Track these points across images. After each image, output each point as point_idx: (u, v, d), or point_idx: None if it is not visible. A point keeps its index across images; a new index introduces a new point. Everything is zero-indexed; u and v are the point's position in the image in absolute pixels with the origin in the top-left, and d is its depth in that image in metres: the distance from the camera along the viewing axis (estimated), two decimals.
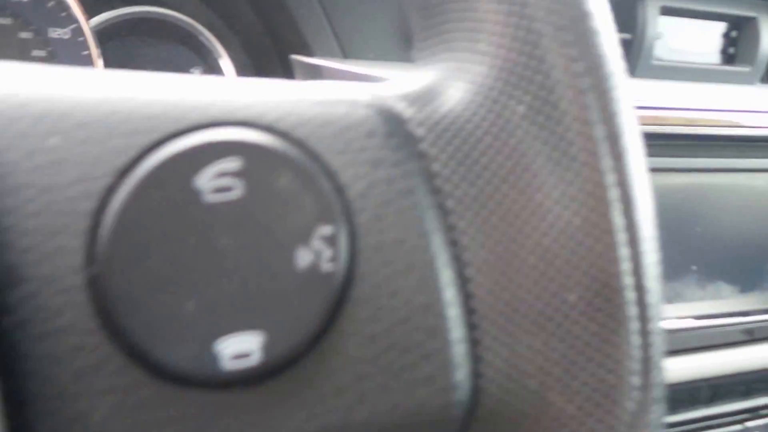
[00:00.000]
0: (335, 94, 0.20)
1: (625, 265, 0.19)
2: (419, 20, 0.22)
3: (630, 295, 0.19)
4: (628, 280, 0.19)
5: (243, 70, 0.69)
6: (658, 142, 0.64)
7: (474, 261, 0.19)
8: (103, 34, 0.62)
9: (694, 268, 0.72)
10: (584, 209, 0.18)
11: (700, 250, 0.72)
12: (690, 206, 0.71)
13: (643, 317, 0.19)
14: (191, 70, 0.68)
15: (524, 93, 0.19)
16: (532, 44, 0.18)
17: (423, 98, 0.20)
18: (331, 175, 0.18)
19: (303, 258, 0.17)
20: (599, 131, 0.19)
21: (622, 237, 0.19)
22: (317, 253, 0.17)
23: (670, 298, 0.72)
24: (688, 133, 0.66)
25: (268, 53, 0.69)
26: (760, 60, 0.72)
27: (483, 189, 0.19)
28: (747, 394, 0.83)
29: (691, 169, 0.69)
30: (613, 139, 0.19)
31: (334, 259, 0.17)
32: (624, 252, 0.19)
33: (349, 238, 0.17)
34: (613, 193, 0.19)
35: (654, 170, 0.68)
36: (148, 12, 0.65)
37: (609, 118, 0.19)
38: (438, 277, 0.18)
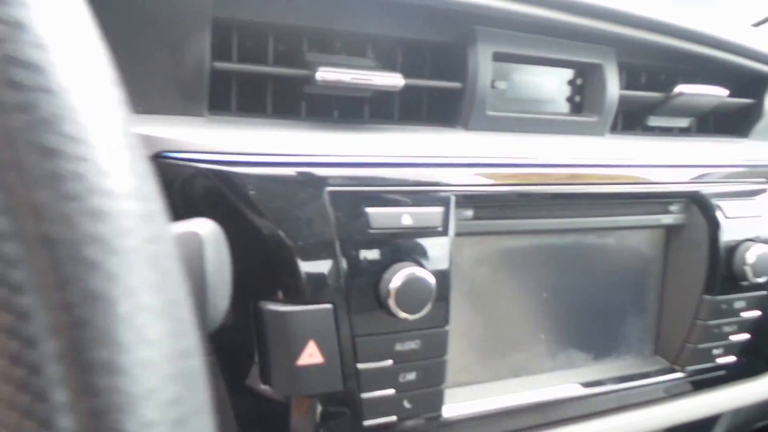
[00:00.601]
0: None
1: None
2: None
3: None
4: None
5: None
6: (495, 203, 0.58)
7: None
8: None
9: (542, 336, 0.66)
10: None
11: (549, 317, 0.66)
12: (535, 271, 0.64)
13: None
14: None
15: None
16: None
17: None
18: None
19: None
20: None
21: None
22: None
23: (516, 371, 0.65)
24: (527, 191, 0.59)
25: None
26: (607, 108, 0.67)
27: None
28: None
29: (534, 230, 0.62)
30: None
31: None
32: None
33: None
34: None
35: (491, 233, 0.62)
36: None
37: None
38: None
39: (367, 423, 0.54)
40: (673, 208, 0.69)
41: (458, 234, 0.58)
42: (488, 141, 0.60)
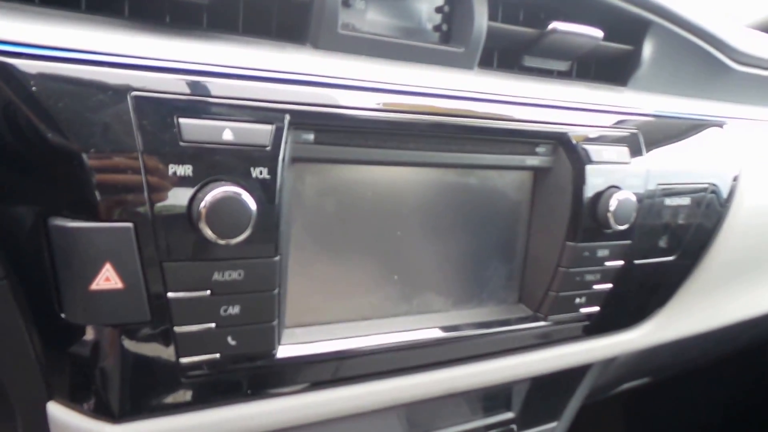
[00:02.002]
0: None
1: None
2: None
3: None
4: None
5: None
6: (339, 127, 0.54)
7: None
8: None
9: (395, 278, 0.64)
10: None
11: (403, 258, 0.63)
12: (388, 207, 0.61)
13: None
14: None
15: None
16: None
17: None
18: None
19: None
20: None
21: None
22: None
23: (367, 314, 0.63)
24: (377, 118, 0.56)
25: None
26: (474, 39, 0.65)
27: None
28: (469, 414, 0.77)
29: (385, 161, 0.59)
30: None
31: None
32: None
33: None
34: None
35: (337, 162, 0.58)
36: None
37: None
38: None
39: (185, 360, 0.51)
40: (540, 149, 0.68)
41: (298, 159, 0.54)
42: (339, 63, 0.56)
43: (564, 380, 0.85)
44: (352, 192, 0.59)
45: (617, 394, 1.36)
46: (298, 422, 0.60)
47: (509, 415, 0.82)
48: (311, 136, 0.54)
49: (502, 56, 0.72)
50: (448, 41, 0.65)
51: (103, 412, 0.51)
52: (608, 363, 0.90)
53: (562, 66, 0.76)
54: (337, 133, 0.55)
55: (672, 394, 1.63)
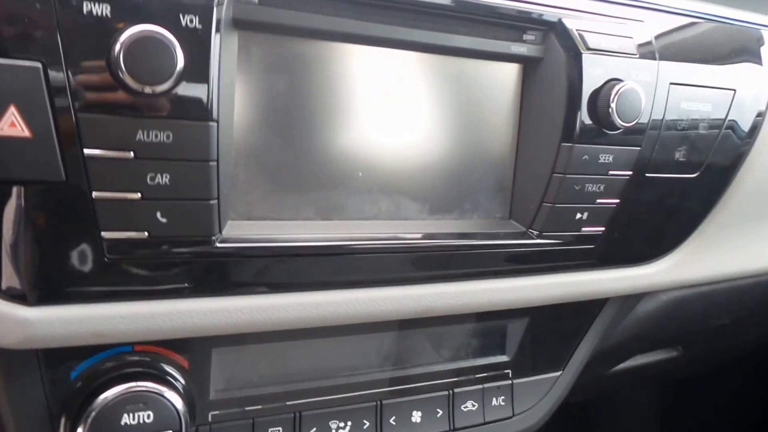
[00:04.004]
0: None
1: None
2: None
3: None
4: None
5: None
6: None
7: None
8: None
9: (359, 174, 0.62)
10: None
11: (369, 152, 0.62)
12: (352, 90, 0.60)
13: None
14: None
15: None
16: None
17: None
18: None
19: None
20: None
21: None
22: None
23: (325, 212, 0.61)
24: None
25: None
26: None
27: None
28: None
29: (343, 34, 0.58)
30: None
31: None
32: None
33: None
34: None
35: (287, 30, 0.57)
36: None
37: None
38: None
39: (106, 235, 0.50)
40: (528, 36, 0.66)
41: (244, 24, 0.54)
42: None
43: (568, 321, 0.82)
44: (309, 70, 0.58)
45: (650, 383, 1.31)
46: (243, 328, 0.58)
47: (503, 358, 0.79)
48: None
49: None
50: None
51: (13, 293, 0.50)
52: (625, 309, 0.86)
53: None
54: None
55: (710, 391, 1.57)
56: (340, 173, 0.61)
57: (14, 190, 0.47)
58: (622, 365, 1.09)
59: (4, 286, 0.49)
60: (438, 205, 0.66)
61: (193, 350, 0.61)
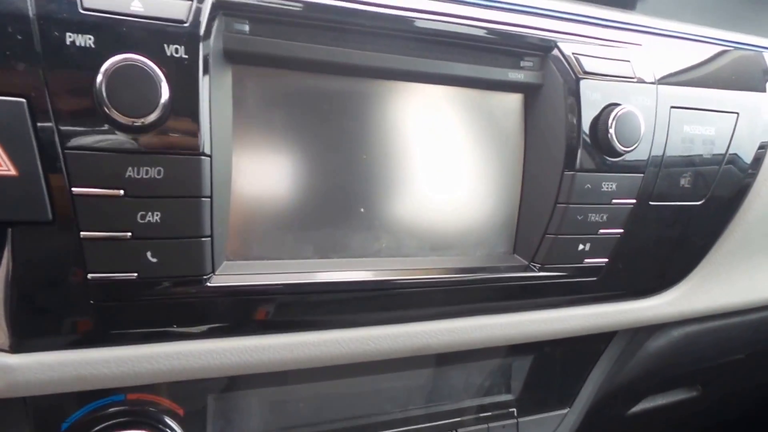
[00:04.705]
0: None
1: None
2: None
3: None
4: None
5: None
6: (281, 17, 0.54)
7: None
8: None
9: (361, 210, 0.62)
10: None
11: (371, 188, 0.62)
12: (350, 124, 0.60)
13: None
14: None
15: None
16: None
17: None
18: None
19: None
20: None
21: None
22: None
23: (324, 250, 0.60)
24: (325, 5, 0.55)
25: None
26: None
27: None
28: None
29: (336, 64, 0.58)
30: None
31: None
32: None
33: None
34: None
35: (280, 61, 0.56)
36: None
37: None
38: None
39: (93, 276, 0.49)
40: (525, 63, 0.66)
41: (236, 56, 0.54)
42: None
43: (574, 357, 0.81)
44: (307, 104, 0.58)
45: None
46: (236, 371, 0.57)
47: (507, 396, 0.78)
48: (246, 27, 0.54)
49: None
50: None
51: None
52: (633, 345, 0.85)
53: None
54: (277, 24, 0.55)
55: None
56: (341, 210, 0.61)
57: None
58: (640, 406, 1.07)
59: None
60: (440, 242, 0.66)
61: (188, 397, 0.60)
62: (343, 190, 0.61)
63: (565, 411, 0.81)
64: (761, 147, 0.78)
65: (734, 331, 0.94)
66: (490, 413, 0.76)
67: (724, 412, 1.37)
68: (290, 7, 0.54)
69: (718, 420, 1.42)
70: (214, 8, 0.50)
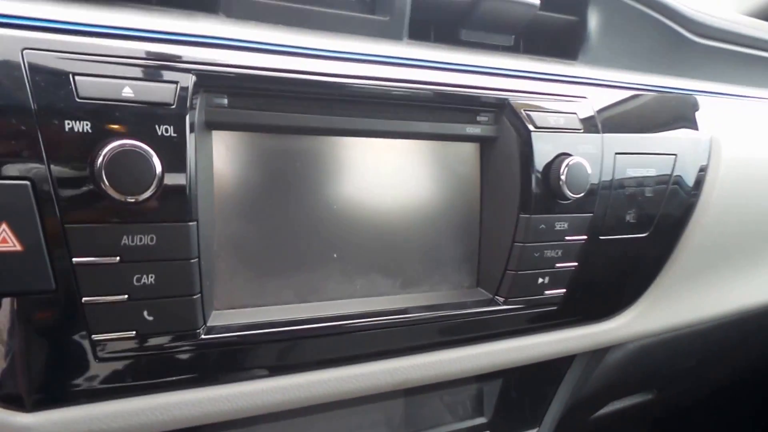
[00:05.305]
0: None
1: None
2: None
3: None
4: None
5: None
6: (256, 91, 0.58)
7: None
8: None
9: (334, 256, 0.65)
10: None
11: (342, 235, 0.65)
12: (321, 179, 0.64)
13: None
14: None
15: None
16: None
17: None
18: None
19: None
20: None
21: None
22: None
23: (303, 295, 0.64)
24: (294, 80, 0.59)
25: None
26: (399, 8, 0.68)
27: None
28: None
29: (306, 128, 0.62)
30: None
31: None
32: None
33: None
34: None
35: (258, 128, 0.60)
36: None
37: None
38: None
39: (97, 337, 0.52)
40: (481, 118, 0.70)
41: (215, 125, 0.57)
42: (253, 31, 0.60)
43: (540, 379, 0.85)
44: (279, 163, 0.62)
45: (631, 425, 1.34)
46: (229, 416, 0.60)
47: (482, 420, 0.81)
48: (225, 100, 0.57)
49: (438, 30, 0.75)
50: (374, 12, 0.69)
51: (11, 401, 0.51)
52: (593, 362, 0.90)
53: (504, 40, 0.80)
54: (253, 97, 0.58)
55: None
56: (316, 256, 0.64)
57: (7, 300, 0.49)
58: (601, 411, 1.12)
59: (1, 395, 0.50)
60: (410, 280, 0.70)
61: None
62: (317, 238, 0.64)
63: (535, 430, 0.85)
64: (696, 183, 0.83)
65: (685, 342, 0.99)
66: None
67: (677, 408, 1.42)
68: (263, 83, 0.58)
69: (671, 414, 1.48)
70: (196, 87, 0.54)
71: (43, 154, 0.48)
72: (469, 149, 0.72)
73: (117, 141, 0.49)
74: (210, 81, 0.55)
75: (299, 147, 0.63)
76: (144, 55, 0.52)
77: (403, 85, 0.64)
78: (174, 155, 0.52)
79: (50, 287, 0.50)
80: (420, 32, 0.72)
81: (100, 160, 0.49)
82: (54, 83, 0.48)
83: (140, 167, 0.49)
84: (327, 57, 0.61)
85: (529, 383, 0.84)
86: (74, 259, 0.50)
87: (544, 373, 0.85)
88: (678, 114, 0.84)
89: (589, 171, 0.71)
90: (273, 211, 0.62)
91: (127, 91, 0.51)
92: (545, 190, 0.70)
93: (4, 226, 0.47)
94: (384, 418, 0.76)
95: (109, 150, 0.49)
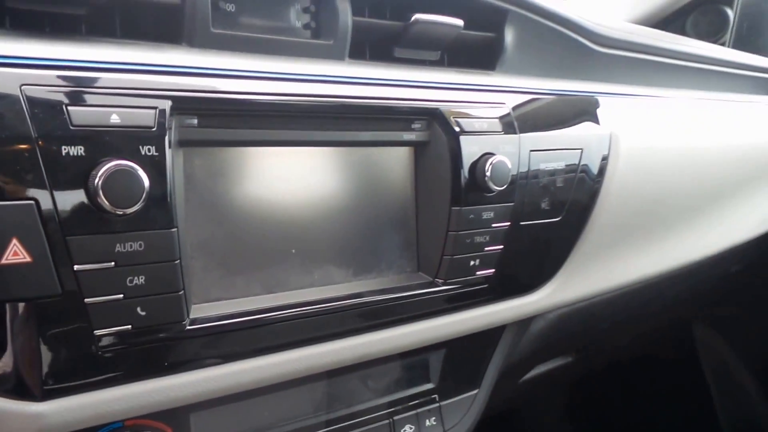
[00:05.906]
0: None
1: None
2: None
3: None
4: None
5: None
6: (222, 112, 0.65)
7: None
8: None
9: (293, 251, 0.73)
10: None
11: (299, 233, 0.73)
12: (279, 185, 0.71)
13: None
14: None
15: None
16: None
17: None
18: None
19: None
20: None
21: None
22: None
23: (270, 287, 0.71)
24: (256, 101, 0.66)
25: None
26: (341, 33, 0.76)
27: None
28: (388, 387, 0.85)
29: (267, 142, 0.69)
30: None
31: None
32: None
33: None
34: None
35: (224, 143, 0.67)
36: None
37: None
38: None
39: (99, 332, 0.58)
40: (416, 125, 0.79)
41: (186, 142, 0.64)
42: (215, 58, 0.66)
43: (477, 347, 0.95)
44: (240, 172, 0.69)
45: (556, 377, 1.47)
46: (217, 393, 0.67)
47: (430, 385, 0.90)
48: (195, 121, 0.64)
49: (374, 49, 0.84)
50: (319, 37, 0.77)
51: (25, 392, 0.57)
52: (521, 330, 1.00)
53: (432, 55, 0.89)
54: (219, 117, 0.65)
55: (612, 382, 1.76)
56: (278, 253, 0.72)
57: (20, 305, 0.55)
58: (529, 374, 1.24)
59: (16, 387, 0.56)
60: (359, 269, 0.78)
61: (174, 417, 0.69)
62: (278, 236, 0.72)
63: (476, 391, 0.95)
64: (600, 172, 0.95)
65: (597, 308, 1.11)
66: (417, 401, 0.88)
67: (592, 367, 1.57)
68: (227, 104, 0.65)
69: (587, 376, 1.63)
70: (171, 111, 0.60)
71: (45, 176, 0.54)
72: (405, 153, 0.81)
73: (111, 161, 0.55)
74: (183, 104, 0.62)
75: (260, 157, 0.70)
76: (127, 86, 0.58)
77: (346, 100, 0.72)
78: (157, 171, 0.59)
79: (57, 292, 0.56)
80: (359, 51, 0.80)
81: (97, 179, 0.55)
82: (50, 114, 0.54)
83: (132, 183, 0.56)
84: (280, 79, 0.68)
85: (468, 352, 0.94)
86: (76, 267, 0.56)
87: (480, 343, 0.95)
88: (582, 113, 0.95)
89: (510, 167, 0.81)
90: (238, 215, 0.69)
91: (115, 118, 0.57)
92: (473, 185, 0.80)
93: (14, 241, 0.53)
94: (345, 390, 0.84)
95: (105, 170, 0.55)
